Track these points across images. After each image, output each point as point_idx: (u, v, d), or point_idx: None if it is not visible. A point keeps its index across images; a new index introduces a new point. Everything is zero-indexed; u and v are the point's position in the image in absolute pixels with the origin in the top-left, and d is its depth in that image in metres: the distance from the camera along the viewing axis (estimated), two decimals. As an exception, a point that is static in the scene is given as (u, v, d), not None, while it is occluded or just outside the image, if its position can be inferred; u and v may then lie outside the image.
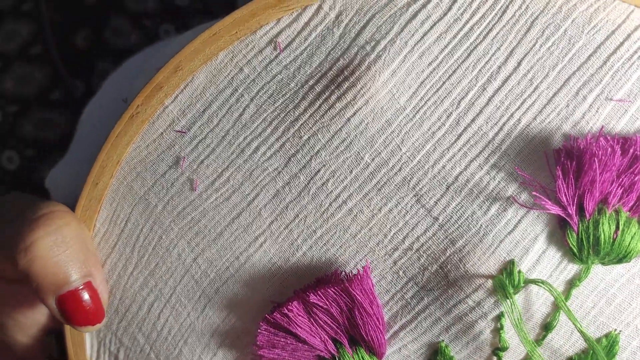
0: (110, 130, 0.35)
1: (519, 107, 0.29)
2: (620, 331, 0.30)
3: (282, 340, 0.32)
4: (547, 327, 0.31)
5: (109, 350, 0.36)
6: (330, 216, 0.31)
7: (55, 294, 0.33)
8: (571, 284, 0.30)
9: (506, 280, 0.29)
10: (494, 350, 0.31)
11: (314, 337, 0.32)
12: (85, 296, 0.33)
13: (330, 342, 0.32)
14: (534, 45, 0.28)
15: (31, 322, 0.37)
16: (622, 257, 0.29)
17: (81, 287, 0.33)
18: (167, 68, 0.31)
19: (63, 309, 0.33)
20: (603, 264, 0.29)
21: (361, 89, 0.30)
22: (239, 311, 0.34)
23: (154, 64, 0.38)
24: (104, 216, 0.34)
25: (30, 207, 0.34)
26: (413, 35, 0.29)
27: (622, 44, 0.28)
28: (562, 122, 0.29)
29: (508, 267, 0.30)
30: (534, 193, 0.29)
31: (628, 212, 0.29)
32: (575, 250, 0.29)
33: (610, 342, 0.30)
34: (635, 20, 0.28)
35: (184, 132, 0.32)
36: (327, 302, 0.31)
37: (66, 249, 0.32)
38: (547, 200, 0.28)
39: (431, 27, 0.29)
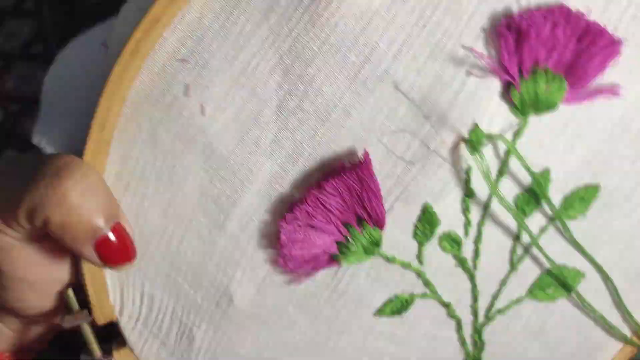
0: (93, 74, 0.35)
1: None
2: (550, 167, 0.37)
3: (302, 234, 0.36)
4: (501, 172, 0.37)
5: (133, 286, 0.37)
6: (328, 115, 0.35)
7: (92, 241, 0.34)
8: (515, 135, 0.36)
9: (473, 138, 0.35)
10: (462, 198, 0.37)
11: (329, 224, 0.36)
12: (120, 236, 0.34)
13: (342, 225, 0.36)
14: None
15: (52, 281, 0.37)
16: (550, 106, 0.36)
17: (112, 229, 0.34)
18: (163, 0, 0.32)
19: (101, 252, 0.34)
20: (536, 114, 0.36)
21: None
22: (257, 219, 0.36)
23: (130, 4, 0.38)
24: (114, 157, 0.35)
25: (45, 162, 0.34)
26: None
27: None
28: (498, 2, 0.34)
29: (473, 129, 0.35)
30: (484, 62, 0.34)
31: (551, 69, 0.35)
32: (518, 105, 0.35)
33: (544, 177, 0.37)
34: None
35: (186, 60, 0.34)
36: (341, 189, 0.35)
37: (94, 195, 0.33)
38: (496, 67, 0.35)
39: None
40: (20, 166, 0.36)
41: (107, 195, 0.34)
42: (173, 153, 0.35)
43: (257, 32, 0.33)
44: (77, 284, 0.38)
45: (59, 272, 0.37)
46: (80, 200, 0.33)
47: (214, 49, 0.33)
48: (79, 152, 0.35)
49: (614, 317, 0.42)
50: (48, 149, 0.39)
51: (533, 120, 0.36)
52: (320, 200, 0.35)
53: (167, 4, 0.32)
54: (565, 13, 0.34)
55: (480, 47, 0.35)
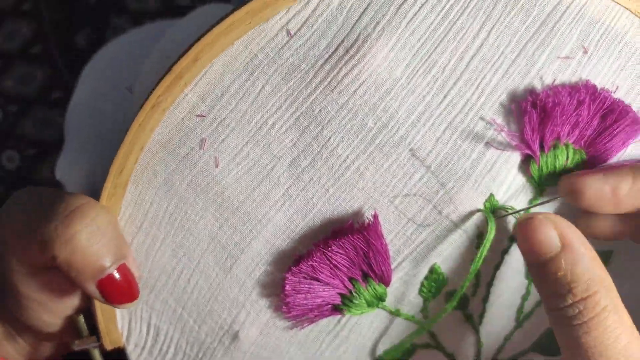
0: (118, 119, 0.36)
1: (489, 70, 0.34)
2: None
3: (307, 286, 0.37)
4: (510, 239, 0.38)
5: (141, 317, 0.39)
6: (341, 175, 0.36)
7: (95, 279, 0.35)
8: (530, 202, 0.37)
9: (489, 209, 0.36)
10: (472, 261, 0.37)
11: (334, 279, 0.37)
12: (123, 277, 0.36)
13: (347, 280, 0.37)
14: (499, 17, 0.34)
15: (64, 305, 0.39)
16: None
17: (116, 272, 0.36)
18: (187, 59, 0.33)
19: (103, 291, 0.36)
20: (553, 185, 0.37)
21: (365, 64, 0.34)
22: (263, 267, 0.38)
23: (160, 51, 0.39)
24: (128, 199, 0.37)
25: (61, 201, 0.36)
26: (405, 16, 0.34)
27: (564, 12, 0.34)
28: (522, 78, 0.35)
29: (489, 199, 0.36)
30: (504, 135, 0.35)
31: (572, 144, 0.36)
32: (536, 178, 0.36)
33: None
34: None
35: (204, 116, 0.35)
36: (347, 248, 0.36)
37: (101, 238, 0.35)
38: (517, 141, 0.35)
39: (419, 8, 0.34)
40: (40, 201, 0.37)
41: (116, 238, 0.36)
42: (186, 199, 0.36)
43: (276, 93, 0.34)
44: (88, 309, 0.40)
45: (71, 298, 0.39)
46: (87, 242, 0.34)
47: (232, 107, 0.35)
48: (97, 190, 0.36)
49: None
50: (69, 185, 0.40)
51: (551, 190, 0.37)
52: (327, 256, 0.36)
53: (190, 62, 0.33)
54: (592, 91, 0.35)
55: (500, 120, 0.35)
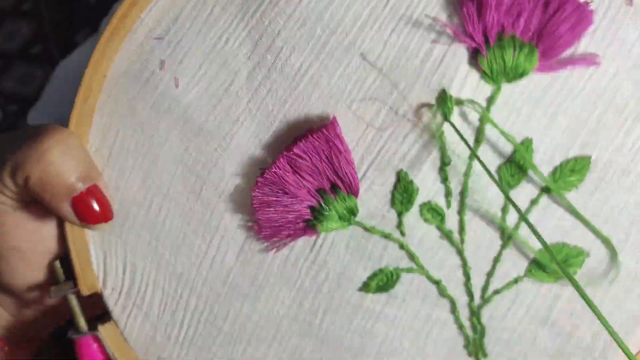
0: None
1: None
2: (531, 136, 0.37)
3: (274, 198, 0.37)
4: (477, 140, 0.37)
5: (116, 256, 0.39)
6: (297, 85, 0.37)
7: (69, 197, 0.36)
8: (489, 101, 0.37)
9: (442, 103, 0.36)
10: (440, 167, 0.38)
11: (301, 189, 0.37)
12: (95, 196, 0.37)
13: (315, 191, 0.37)
14: None
15: (39, 250, 0.39)
16: (522, 73, 0.37)
17: (90, 189, 0.36)
18: None
19: (77, 209, 0.36)
20: (509, 81, 0.37)
21: None
22: (232, 185, 0.38)
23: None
24: (95, 130, 0.38)
25: (31, 129, 0.37)
26: None
27: None
28: None
29: (441, 94, 0.37)
30: (449, 30, 0.36)
31: (520, 37, 0.36)
32: (488, 72, 0.36)
33: (526, 146, 0.37)
34: None
35: (162, 38, 0.37)
36: (309, 152, 0.36)
37: (73, 155, 0.36)
38: (461, 35, 0.36)
39: None
40: (9, 135, 0.37)
41: (86, 158, 0.37)
42: (150, 124, 0.37)
43: (226, 9, 0.37)
44: (64, 258, 0.38)
45: (47, 241, 0.39)
46: (59, 158, 0.35)
47: (187, 28, 0.37)
48: None
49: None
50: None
51: (507, 88, 0.37)
52: (290, 162, 0.36)
53: None
54: None
55: (444, 17, 0.36)
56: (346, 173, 0.37)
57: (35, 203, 0.37)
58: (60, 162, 0.35)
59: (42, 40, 0.63)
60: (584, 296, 0.35)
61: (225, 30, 0.37)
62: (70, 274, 0.39)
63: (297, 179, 0.37)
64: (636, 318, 0.39)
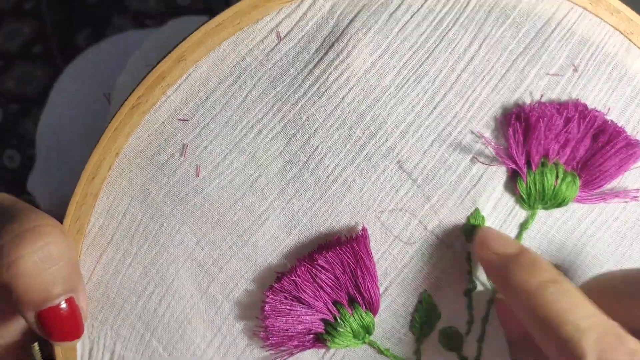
0: (92, 126, 0.34)
1: (479, 83, 0.34)
2: (561, 265, 0.36)
3: (288, 307, 0.34)
4: None
5: (104, 345, 0.36)
6: (328, 188, 0.34)
7: (35, 309, 0.32)
8: (522, 227, 0.36)
9: (472, 224, 0.35)
10: (465, 291, 0.36)
11: (318, 300, 0.34)
12: (65, 313, 0.32)
13: (332, 304, 0.34)
14: (491, 30, 0.34)
15: (12, 328, 0.36)
16: (561, 202, 0.35)
17: (63, 304, 0.32)
18: (170, 58, 0.32)
19: (42, 323, 0.32)
20: (545, 208, 0.36)
21: (353, 70, 0.33)
22: (243, 286, 0.35)
23: (136, 60, 0.38)
24: (99, 209, 0.34)
25: (17, 219, 0.33)
26: (397, 23, 0.33)
27: (554, 29, 0.34)
28: (511, 93, 0.34)
29: (473, 214, 0.35)
30: (491, 149, 0.34)
31: (564, 165, 0.35)
32: (524, 197, 0.35)
33: None
34: (563, 10, 0.34)
35: (187, 120, 0.33)
36: (334, 264, 0.34)
37: (51, 265, 0.32)
38: (503, 156, 0.34)
39: (411, 17, 0.33)
40: None
41: (68, 268, 0.33)
42: (162, 211, 0.34)
43: (263, 99, 0.33)
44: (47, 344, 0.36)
45: (12, 327, 0.36)
46: (31, 269, 0.31)
47: (217, 112, 0.33)
48: (66, 203, 0.34)
49: None
50: (38, 197, 0.39)
51: (543, 215, 0.36)
52: (311, 273, 0.34)
53: (174, 63, 0.32)
54: (581, 108, 0.34)
55: (488, 135, 0.34)
56: (369, 289, 0.35)
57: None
58: (32, 273, 0.31)
59: (43, 40, 0.62)
60: None
61: (259, 121, 0.34)
62: (49, 355, 0.35)
63: (315, 290, 0.34)
64: None
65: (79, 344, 0.36)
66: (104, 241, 0.35)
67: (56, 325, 0.32)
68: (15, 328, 0.35)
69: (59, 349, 0.35)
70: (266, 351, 0.36)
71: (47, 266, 0.31)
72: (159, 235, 0.35)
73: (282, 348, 0.36)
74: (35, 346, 0.36)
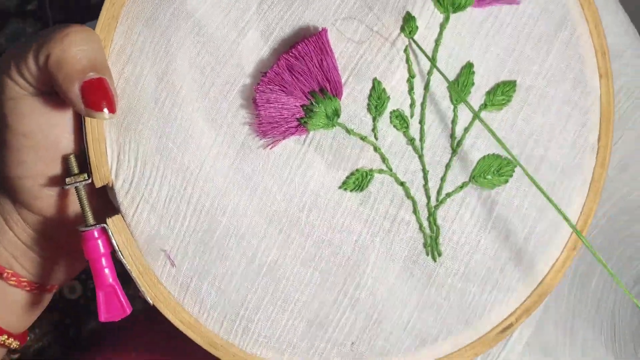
0: None
1: None
2: (472, 61, 0.47)
3: (274, 95, 0.44)
4: (433, 59, 0.46)
5: (129, 148, 0.43)
6: (292, 2, 0.44)
7: (80, 80, 0.39)
8: (441, 26, 0.46)
9: (407, 23, 0.45)
10: (407, 79, 0.46)
11: (296, 89, 0.44)
12: (105, 86, 0.40)
13: (308, 93, 0.44)
14: None
15: (52, 141, 0.42)
16: (463, 5, 0.46)
17: (99, 80, 0.40)
18: None
19: (86, 93, 0.39)
20: (454, 11, 0.46)
21: None
22: (237, 87, 0.44)
23: None
24: (119, 31, 0.43)
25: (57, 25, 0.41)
26: None
27: None
28: None
29: (406, 16, 0.45)
30: None
31: None
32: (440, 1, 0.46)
33: (468, 68, 0.47)
34: None
35: None
36: (304, 55, 0.43)
37: (92, 46, 0.40)
38: None
39: None
40: (39, 31, 0.42)
41: (102, 54, 0.41)
42: (168, 29, 0.43)
43: None
44: (77, 156, 0.43)
45: (59, 134, 0.42)
46: (79, 43, 0.39)
47: None
48: None
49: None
50: None
51: (454, 19, 0.46)
52: (288, 64, 0.43)
53: None
54: None
55: None
56: (333, 76, 0.44)
57: (50, 95, 0.41)
58: (79, 46, 0.39)
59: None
60: (535, 183, 0.44)
61: None
62: (82, 170, 0.43)
63: (293, 79, 0.44)
64: (556, 224, 0.48)
65: (108, 150, 0.43)
66: (124, 57, 0.43)
67: (96, 95, 0.39)
68: (57, 141, 0.42)
69: (92, 149, 0.42)
70: (259, 140, 0.44)
71: (88, 45, 0.40)
72: (167, 48, 0.44)
73: (271, 135, 0.44)
74: (72, 157, 0.43)
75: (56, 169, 0.43)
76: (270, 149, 0.44)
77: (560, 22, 0.47)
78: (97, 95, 0.39)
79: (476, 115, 0.46)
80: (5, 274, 0.44)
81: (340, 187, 0.45)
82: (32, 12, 0.67)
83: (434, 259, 0.46)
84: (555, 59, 0.47)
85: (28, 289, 0.46)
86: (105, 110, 0.40)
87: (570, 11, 0.48)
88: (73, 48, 0.39)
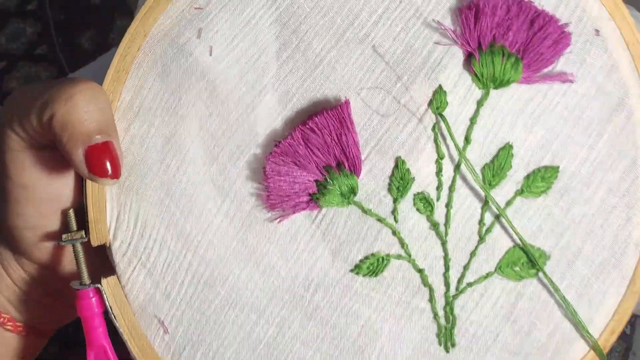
0: None
1: None
2: (512, 142, 0.43)
3: (286, 168, 0.41)
4: (466, 139, 0.42)
5: (130, 209, 0.41)
6: (315, 67, 0.42)
7: (84, 144, 0.37)
8: (478, 103, 0.42)
9: (438, 98, 0.42)
10: (435, 160, 0.42)
11: (310, 163, 0.41)
12: (110, 151, 0.38)
13: (322, 168, 0.41)
14: None
15: (51, 195, 0.40)
16: (508, 80, 0.42)
17: (105, 143, 0.38)
18: None
19: (90, 159, 0.37)
20: (496, 87, 0.42)
21: None
22: (247, 155, 0.41)
23: None
24: (128, 85, 0.41)
25: (63, 79, 0.39)
26: None
27: None
28: None
29: (438, 90, 0.42)
30: (449, 35, 0.42)
31: (508, 47, 0.42)
32: (478, 75, 0.42)
33: (507, 150, 0.42)
34: None
35: (202, 8, 0.41)
36: (322, 128, 0.40)
37: (98, 106, 0.38)
38: (459, 40, 0.42)
39: None
40: (44, 84, 0.40)
41: (109, 114, 0.39)
42: (181, 87, 0.41)
43: None
44: (78, 209, 0.41)
45: (59, 187, 0.40)
46: (85, 104, 0.37)
47: (226, 2, 0.41)
48: None
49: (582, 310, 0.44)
50: None
51: (495, 95, 0.42)
52: (304, 136, 0.40)
53: None
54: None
55: (447, 23, 0.42)
56: (352, 152, 0.41)
57: (52, 149, 0.39)
58: (85, 107, 0.37)
59: (47, 41, 0.65)
60: (554, 287, 0.41)
61: (260, 9, 0.41)
62: (81, 226, 0.41)
63: (307, 153, 0.40)
64: (587, 321, 0.43)
65: (108, 209, 0.41)
66: (131, 114, 0.41)
67: (100, 161, 0.37)
68: (56, 194, 0.40)
69: (91, 208, 0.40)
70: (267, 212, 0.42)
71: (94, 106, 0.38)
72: (178, 108, 0.41)
73: (281, 208, 0.41)
74: (71, 212, 0.41)
75: (55, 222, 0.41)
76: (278, 222, 0.41)
77: (617, 104, 0.42)
78: (102, 160, 0.37)
79: (501, 213, 0.42)
80: (1, 319, 0.43)
81: (351, 271, 0.42)
82: (32, 12, 0.67)
83: (447, 350, 0.43)
84: (606, 145, 0.43)
85: (24, 333, 0.45)
86: (109, 176, 0.38)
87: (629, 92, 0.43)
88: (77, 110, 0.37)
